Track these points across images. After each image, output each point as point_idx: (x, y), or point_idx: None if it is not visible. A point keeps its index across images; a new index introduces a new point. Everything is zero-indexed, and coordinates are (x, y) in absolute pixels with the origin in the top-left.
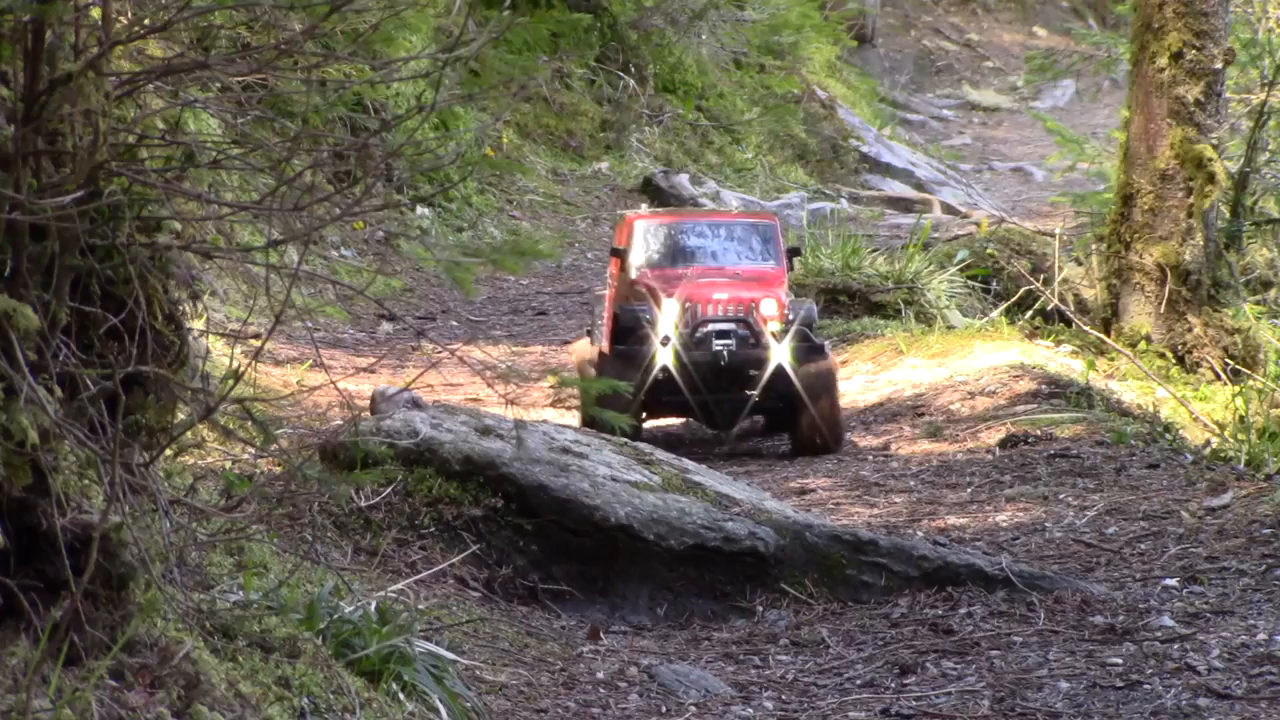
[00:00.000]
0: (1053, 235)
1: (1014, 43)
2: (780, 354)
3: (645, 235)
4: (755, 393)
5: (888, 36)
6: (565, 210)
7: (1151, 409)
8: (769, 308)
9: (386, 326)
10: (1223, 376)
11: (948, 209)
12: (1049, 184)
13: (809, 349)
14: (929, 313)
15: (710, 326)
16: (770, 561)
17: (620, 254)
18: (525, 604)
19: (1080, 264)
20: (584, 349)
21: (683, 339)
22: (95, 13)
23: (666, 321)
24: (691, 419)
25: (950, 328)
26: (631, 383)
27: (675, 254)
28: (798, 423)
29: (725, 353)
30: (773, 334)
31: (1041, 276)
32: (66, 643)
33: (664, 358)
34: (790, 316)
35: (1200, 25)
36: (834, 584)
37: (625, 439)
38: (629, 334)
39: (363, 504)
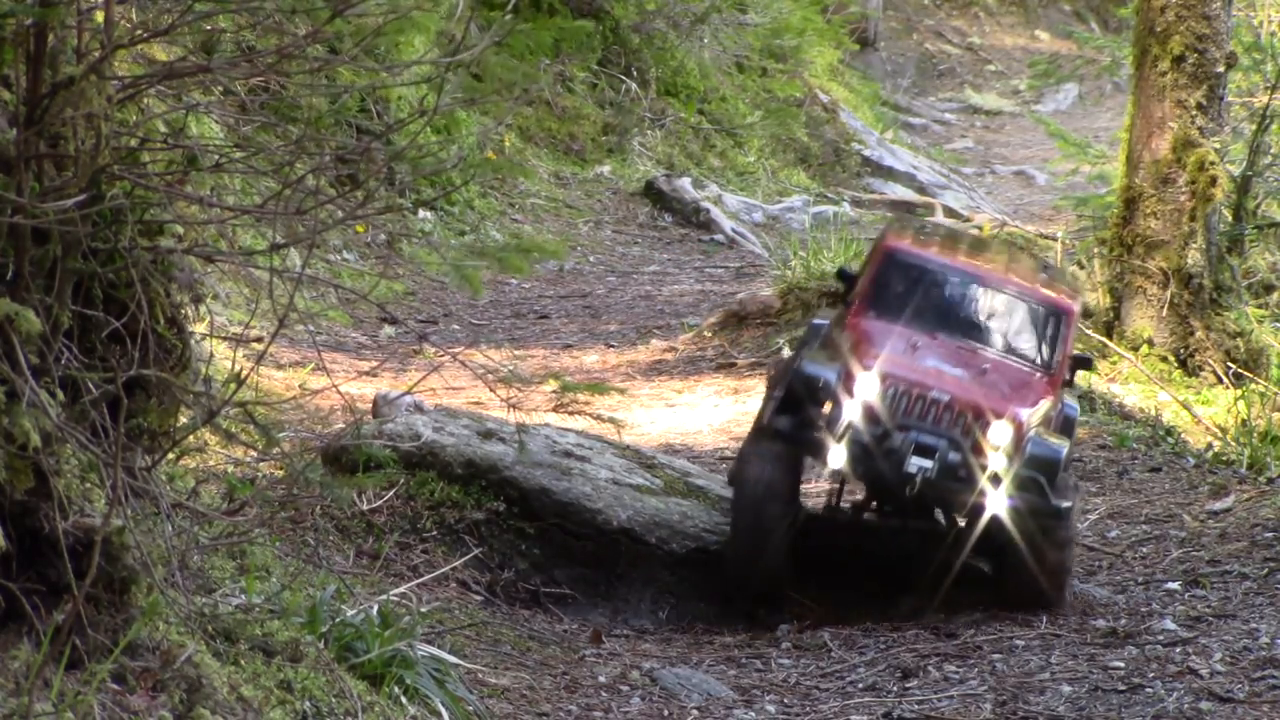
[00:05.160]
0: (1055, 239)
1: (1016, 46)
2: (996, 503)
3: (893, 269)
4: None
5: (890, 40)
6: (567, 214)
7: (1154, 412)
8: (999, 434)
9: (388, 330)
10: (1225, 380)
11: (950, 212)
12: (1051, 188)
13: (1043, 511)
14: None
15: (912, 434)
16: None
17: (849, 281)
18: (527, 607)
19: (1082, 267)
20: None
21: (871, 438)
22: (98, 16)
23: (854, 405)
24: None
25: None
26: (777, 485)
27: (922, 307)
28: (1008, 579)
29: (920, 478)
30: (993, 474)
31: None
32: (68, 646)
33: (836, 458)
34: (1029, 451)
35: (1202, 29)
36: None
37: (626, 444)
38: (798, 408)
39: (365, 507)
